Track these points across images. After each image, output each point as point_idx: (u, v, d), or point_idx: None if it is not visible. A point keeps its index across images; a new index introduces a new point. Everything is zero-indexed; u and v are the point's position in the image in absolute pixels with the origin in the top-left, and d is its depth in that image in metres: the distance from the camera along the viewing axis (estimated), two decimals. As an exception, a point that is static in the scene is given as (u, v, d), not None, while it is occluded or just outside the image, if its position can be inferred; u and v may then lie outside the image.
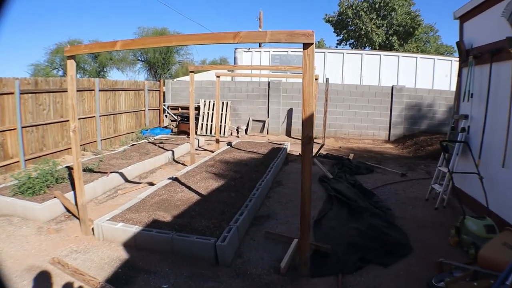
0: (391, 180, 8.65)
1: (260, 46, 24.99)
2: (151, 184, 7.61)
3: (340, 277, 4.08)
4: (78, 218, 5.27)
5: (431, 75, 17.11)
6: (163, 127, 14.66)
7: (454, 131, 6.89)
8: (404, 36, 26.31)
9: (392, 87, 14.75)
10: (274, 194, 7.27)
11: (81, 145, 10.06)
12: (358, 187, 7.75)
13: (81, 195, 5.03)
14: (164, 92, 15.39)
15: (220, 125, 14.72)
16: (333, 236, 5.21)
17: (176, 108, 15.42)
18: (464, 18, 6.77)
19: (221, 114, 14.83)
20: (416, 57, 17.50)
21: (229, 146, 11.14)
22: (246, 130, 15.32)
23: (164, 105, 15.20)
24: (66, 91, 9.75)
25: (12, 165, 8.11)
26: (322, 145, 11.89)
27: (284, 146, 11.48)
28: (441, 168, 6.79)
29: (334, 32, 30.87)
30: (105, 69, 26.69)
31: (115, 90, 11.74)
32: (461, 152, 6.30)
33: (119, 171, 7.69)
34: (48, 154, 9.12)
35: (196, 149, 11.61)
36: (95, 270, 4.09)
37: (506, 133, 4.96)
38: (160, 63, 27.27)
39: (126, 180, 7.74)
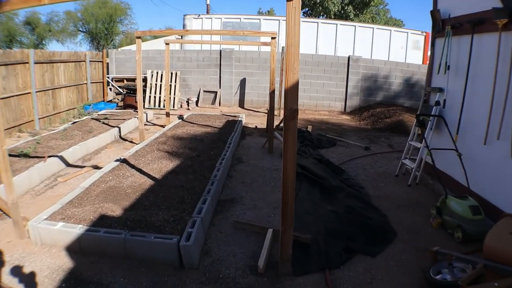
0: (356, 154, 8.57)
1: (208, 12, 23.99)
2: (96, 167, 7.05)
3: (328, 273, 3.71)
4: (8, 216, 4.69)
5: (387, 47, 17.21)
6: (108, 101, 13.74)
7: (426, 103, 6.71)
8: (360, 6, 26.04)
9: (349, 58, 14.66)
10: (236, 173, 6.90)
11: (15, 126, 9.20)
12: (325, 162, 7.51)
13: (10, 190, 4.42)
14: (107, 64, 14.30)
15: (170, 97, 14.05)
16: (309, 222, 4.81)
17: (121, 80, 14.45)
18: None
19: (170, 85, 14.08)
20: (373, 28, 17.38)
21: (180, 120, 10.62)
22: (197, 102, 14.73)
23: (108, 77, 14.18)
24: None
25: None
26: (283, 119, 11.59)
27: (239, 119, 11.20)
28: (412, 143, 6.70)
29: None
30: (44, 42, 24.60)
31: (53, 62, 10.65)
32: (435, 126, 6.17)
33: (59, 154, 7.00)
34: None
35: (145, 124, 10.97)
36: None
37: (489, 109, 4.73)
38: (102, 34, 25.51)
39: (68, 165, 7.10)
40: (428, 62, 7.25)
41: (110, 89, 14.19)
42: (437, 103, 6.14)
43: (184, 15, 16.86)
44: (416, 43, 17.50)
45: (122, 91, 13.85)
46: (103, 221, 4.30)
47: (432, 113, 6.18)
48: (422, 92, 12.31)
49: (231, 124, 10.49)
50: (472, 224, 4.26)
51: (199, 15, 16.78)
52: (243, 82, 14.89)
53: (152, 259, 3.83)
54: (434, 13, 6.40)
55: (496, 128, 4.58)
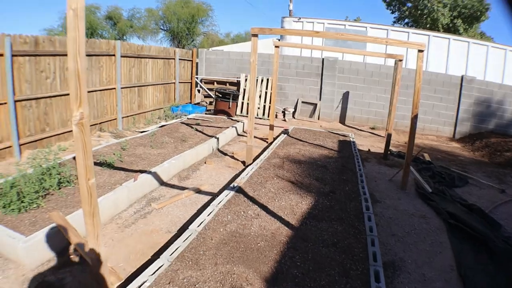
0: (494, 198, 6.47)
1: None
2: (199, 191, 5.17)
3: None
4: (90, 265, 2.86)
5: (501, 67, 14.54)
6: (195, 104, 12.15)
7: None
8: (470, 20, 22.76)
9: (462, 77, 12.22)
10: (379, 219, 4.91)
11: (96, 124, 7.71)
12: (477, 211, 5.51)
13: (97, 243, 2.55)
14: (197, 63, 12.78)
15: (264, 106, 12.15)
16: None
17: (210, 82, 12.83)
18: None
19: (266, 92, 12.20)
20: (487, 46, 14.65)
21: (286, 135, 8.60)
22: (293, 113, 12.70)
23: (197, 78, 12.63)
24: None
25: (1, 151, 5.74)
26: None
27: (351, 139, 9.14)
28: None
29: (387, 9, 27.14)
30: (125, 37, 24.08)
31: (141, 57, 9.18)
32: None
33: (151, 170, 5.22)
34: (53, 136, 6.72)
35: (241, 135, 9.10)
36: None
37: None
38: (184, 33, 24.55)
39: (161, 183, 5.29)
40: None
41: (199, 90, 12.62)
42: None
43: (283, 18, 15.06)
44: None
45: (212, 95, 12.20)
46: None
47: None
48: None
49: (345, 145, 8.45)
50: None
51: (300, 18, 14.87)
52: (345, 96, 12.69)
53: None
54: None
55: None
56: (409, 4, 24.34)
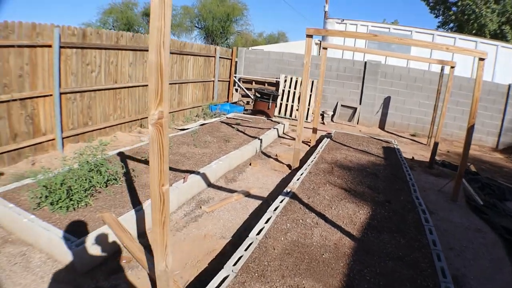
0: None
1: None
2: (248, 194, 4.87)
3: None
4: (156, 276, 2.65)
5: None
6: (233, 103, 11.92)
7: None
8: None
9: (510, 86, 11.51)
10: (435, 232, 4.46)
11: (137, 120, 7.59)
12: None
13: (164, 252, 2.28)
14: (236, 62, 12.54)
15: (305, 108, 11.78)
16: None
17: (249, 81, 12.57)
18: None
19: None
20: None
21: (329, 139, 8.20)
22: (332, 117, 12.26)
23: (235, 77, 12.39)
24: (123, 49, 6.81)
25: (44, 144, 5.61)
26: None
27: (394, 146, 8.68)
28: None
29: (431, 12, 25.96)
30: (146, 35, 24.17)
31: (183, 54, 9.01)
32: None
33: (199, 170, 4.96)
34: (95, 130, 6.58)
35: (282, 137, 8.78)
36: None
37: None
38: (218, 32, 24.43)
39: (208, 184, 5.03)
40: None
41: (236, 90, 12.39)
42: None
43: (325, 19, 14.67)
44: None
45: (250, 94, 11.96)
46: None
47: None
48: None
49: (390, 152, 8.03)
50: None
51: (343, 19, 14.43)
52: (386, 101, 12.15)
53: None
54: None
55: None
56: (455, 9, 23.31)
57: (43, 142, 5.57)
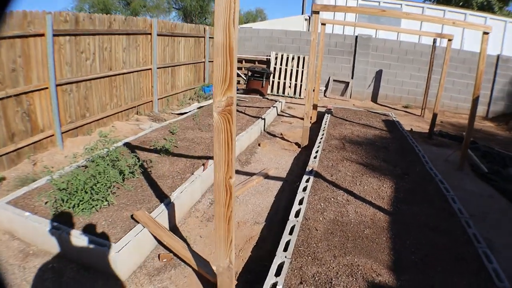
0: None
1: None
2: (266, 176, 4.77)
3: None
4: (187, 263, 2.66)
5: None
6: (224, 85, 11.63)
7: None
8: None
9: (498, 57, 11.82)
10: None
11: (135, 106, 7.35)
12: None
13: (229, 249, 2.15)
14: (224, 41, 12.19)
15: (295, 84, 11.63)
16: None
17: (239, 60, 12.28)
18: None
19: (297, 70, 11.65)
20: None
21: (329, 115, 8.10)
22: (325, 92, 12.17)
23: (224, 57, 12.07)
24: (116, 34, 6.43)
25: (43, 141, 5.27)
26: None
27: (393, 119, 8.75)
28: None
29: None
30: (138, 17, 23.39)
31: (174, 36, 8.64)
32: None
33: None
34: (93, 121, 6.26)
35: (281, 115, 8.65)
36: None
37: None
38: (196, 12, 23.74)
39: (225, 170, 4.86)
40: None
41: (226, 70, 12.08)
42: None
43: None
44: None
45: (241, 73, 11.73)
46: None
47: None
48: None
49: (391, 125, 8.06)
50: None
51: None
52: (378, 74, 12.14)
53: None
54: None
55: None
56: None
57: (42, 139, 5.23)
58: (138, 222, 2.96)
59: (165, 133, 5.75)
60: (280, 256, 2.66)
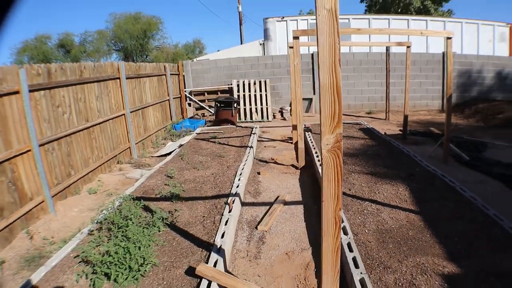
0: None
1: (240, 20, 22.17)
2: (285, 202, 4.70)
3: None
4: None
5: (475, 41, 15.97)
6: (190, 118, 11.47)
7: None
8: (438, 0, 24.19)
9: (443, 54, 12.92)
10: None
11: (116, 155, 6.99)
12: None
13: (334, 279, 2.05)
14: (183, 76, 12.06)
15: (261, 108, 11.72)
16: None
17: (200, 93, 12.20)
18: None
19: (260, 95, 11.78)
20: (462, 22, 15.86)
21: (310, 132, 8.24)
22: (290, 111, 12.38)
23: (185, 91, 11.93)
24: (88, 82, 6.20)
25: (33, 210, 4.77)
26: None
27: (367, 126, 9.32)
28: None
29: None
30: (105, 61, 22.88)
31: (140, 77, 8.43)
32: None
33: (232, 192, 4.70)
34: (78, 179, 5.83)
35: (260, 140, 8.63)
36: None
37: None
38: (137, 50, 23.49)
39: (242, 203, 4.70)
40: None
41: (189, 104, 11.92)
42: None
43: (265, 19, 14.83)
44: (502, 35, 16.31)
45: (205, 106, 11.64)
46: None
47: None
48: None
49: (369, 132, 8.55)
50: None
51: (283, 17, 14.76)
52: (338, 86, 12.69)
53: None
54: None
55: None
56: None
57: (33, 208, 4.74)
58: (200, 278, 2.74)
59: (162, 178, 5.50)
60: (356, 273, 2.70)
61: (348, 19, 14.92)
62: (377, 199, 4.26)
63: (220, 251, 3.13)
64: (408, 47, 8.23)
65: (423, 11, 23.29)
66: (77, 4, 52.93)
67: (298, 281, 2.99)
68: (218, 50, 17.59)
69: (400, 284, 2.59)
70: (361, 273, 2.68)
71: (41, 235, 4.31)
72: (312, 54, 12.26)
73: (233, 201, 4.21)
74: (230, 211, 4.01)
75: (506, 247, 3.05)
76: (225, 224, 3.67)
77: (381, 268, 2.84)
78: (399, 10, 23.69)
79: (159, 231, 3.72)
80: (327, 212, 1.90)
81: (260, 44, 15.16)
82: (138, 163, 7.22)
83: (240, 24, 25.56)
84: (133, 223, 3.58)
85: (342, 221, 3.54)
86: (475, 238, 3.25)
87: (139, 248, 3.08)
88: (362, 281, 2.58)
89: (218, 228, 3.61)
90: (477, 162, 6.34)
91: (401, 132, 8.72)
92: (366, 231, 3.43)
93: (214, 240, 3.35)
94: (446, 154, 6.44)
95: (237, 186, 4.87)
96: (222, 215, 3.93)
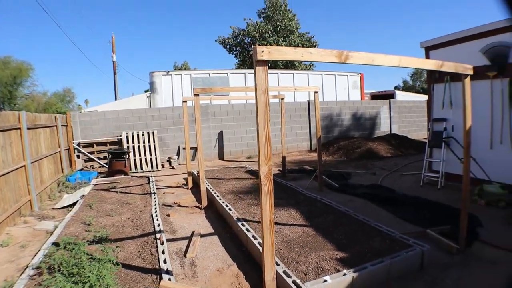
0: (372, 179, 9.48)
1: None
2: (201, 235, 5.73)
3: None
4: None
5: (333, 89, 19.76)
6: (80, 170, 11.47)
7: (431, 131, 8.25)
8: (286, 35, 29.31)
9: (308, 102, 16.15)
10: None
11: (18, 208, 7.08)
12: (375, 187, 8.42)
13: (273, 270, 3.24)
14: (71, 127, 12.10)
15: (151, 158, 12.46)
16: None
17: (90, 145, 12.31)
18: (430, 48, 8.28)
19: (149, 145, 12.54)
20: (322, 74, 19.71)
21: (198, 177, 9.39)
22: (178, 159, 13.35)
23: (74, 143, 11.96)
24: None
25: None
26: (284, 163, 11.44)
27: (249, 168, 10.93)
28: (431, 160, 8.39)
29: (230, 53, 33.25)
30: (6, 111, 19.84)
31: (37, 128, 8.53)
32: (446, 145, 7.85)
33: (157, 230, 5.48)
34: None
35: (159, 187, 9.44)
36: None
37: (490, 128, 7.05)
38: (6, 98, 21.73)
39: (166, 239, 5.53)
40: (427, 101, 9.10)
41: (78, 156, 11.93)
42: (445, 129, 7.93)
43: (151, 72, 15.69)
44: (355, 83, 20.64)
45: (94, 158, 11.83)
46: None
47: (444, 137, 7.88)
48: (366, 124, 17.51)
49: (254, 174, 10.09)
50: (506, 196, 6.21)
51: (168, 71, 15.85)
52: (220, 136, 14.27)
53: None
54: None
55: (497, 137, 6.95)
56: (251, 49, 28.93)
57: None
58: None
59: (80, 225, 5.92)
60: (279, 268, 3.83)
61: (227, 73, 16.89)
62: (277, 221, 5.58)
63: (169, 272, 4.01)
64: (282, 99, 10.13)
65: (289, 65, 27.35)
66: None
67: (234, 286, 4.03)
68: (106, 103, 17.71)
69: (311, 268, 3.89)
70: (282, 268, 3.86)
71: None
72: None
73: (161, 236, 5.06)
74: (162, 244, 4.87)
75: (373, 236, 4.73)
76: (163, 253, 4.53)
77: (294, 263, 4.05)
78: (269, 65, 27.26)
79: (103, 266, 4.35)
80: (265, 216, 3.09)
81: (147, 96, 16.01)
82: (41, 216, 7.31)
83: (114, 73, 25.90)
84: (82, 260, 4.17)
85: (256, 238, 4.73)
86: (353, 235, 4.82)
87: (103, 278, 3.77)
88: (285, 272, 3.74)
89: (159, 257, 4.44)
90: (345, 187, 8.38)
91: (280, 171, 10.49)
92: (276, 242, 4.61)
93: (160, 266, 4.19)
94: (321, 184, 8.30)
95: (158, 225, 5.71)
96: (157, 247, 4.76)
